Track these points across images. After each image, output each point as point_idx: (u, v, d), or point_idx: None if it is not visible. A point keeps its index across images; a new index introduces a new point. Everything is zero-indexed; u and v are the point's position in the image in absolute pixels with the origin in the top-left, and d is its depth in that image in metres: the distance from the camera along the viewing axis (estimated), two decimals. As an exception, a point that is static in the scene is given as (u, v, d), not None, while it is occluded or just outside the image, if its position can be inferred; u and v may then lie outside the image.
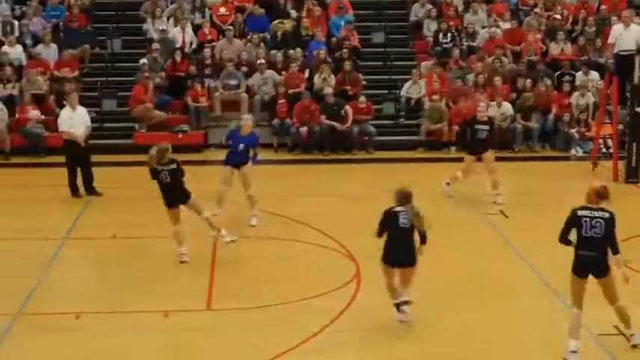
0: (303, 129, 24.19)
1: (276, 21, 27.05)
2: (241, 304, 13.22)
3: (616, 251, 11.30)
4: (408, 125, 25.47)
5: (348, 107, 24.39)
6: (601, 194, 11.23)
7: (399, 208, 12.18)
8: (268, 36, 27.01)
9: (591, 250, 11.16)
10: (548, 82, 25.60)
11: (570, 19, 28.10)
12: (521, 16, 28.20)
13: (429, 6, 28.10)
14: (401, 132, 25.19)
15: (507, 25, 27.55)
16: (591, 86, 25.52)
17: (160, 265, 15.30)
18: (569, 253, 13.63)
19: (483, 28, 27.64)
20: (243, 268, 15.10)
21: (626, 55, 21.31)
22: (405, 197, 12.23)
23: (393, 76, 26.65)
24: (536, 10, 28.17)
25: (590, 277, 11.27)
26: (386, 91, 26.34)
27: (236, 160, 17.17)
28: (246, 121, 17.51)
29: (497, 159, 23.73)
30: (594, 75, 25.81)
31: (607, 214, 11.19)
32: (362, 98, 24.62)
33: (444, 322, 12.67)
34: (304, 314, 12.89)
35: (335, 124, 24.30)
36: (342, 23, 27.31)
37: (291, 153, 24.51)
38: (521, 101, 25.12)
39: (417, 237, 12.21)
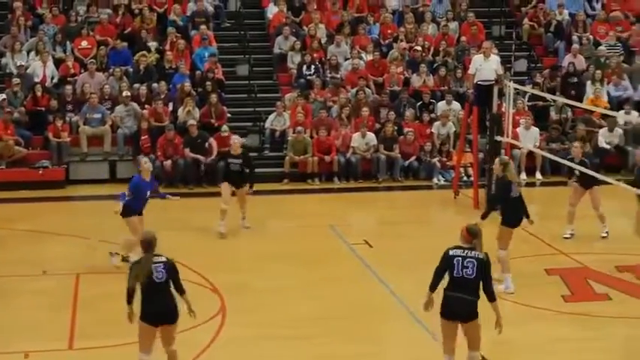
0: (167, 162, 23.97)
1: (139, 54, 26.78)
2: (104, 342, 13.01)
3: (492, 298, 10.79)
4: (273, 157, 25.46)
5: (212, 140, 24.26)
6: (473, 232, 10.82)
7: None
8: (131, 69, 26.77)
9: (462, 292, 10.60)
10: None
11: (431, 50, 28.59)
12: (384, 48, 28.57)
13: (293, 38, 28.23)
14: (266, 164, 25.13)
15: (370, 57, 27.90)
16: (452, 116, 25.98)
17: (19, 304, 14.99)
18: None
19: (346, 59, 27.91)
20: (105, 305, 14.75)
21: (485, 85, 21.71)
22: (148, 244, 11.48)
23: (257, 109, 26.66)
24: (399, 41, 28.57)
25: None
26: (250, 124, 26.33)
27: (142, 207, 16.50)
28: (147, 164, 16.79)
29: (362, 189, 24.16)
30: (456, 105, 26.29)
31: (481, 255, 10.73)
32: (224, 127, 24.49)
33: (309, 353, 12.66)
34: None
35: (199, 157, 24.15)
36: (206, 56, 27.22)
37: (156, 187, 24.24)
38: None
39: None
